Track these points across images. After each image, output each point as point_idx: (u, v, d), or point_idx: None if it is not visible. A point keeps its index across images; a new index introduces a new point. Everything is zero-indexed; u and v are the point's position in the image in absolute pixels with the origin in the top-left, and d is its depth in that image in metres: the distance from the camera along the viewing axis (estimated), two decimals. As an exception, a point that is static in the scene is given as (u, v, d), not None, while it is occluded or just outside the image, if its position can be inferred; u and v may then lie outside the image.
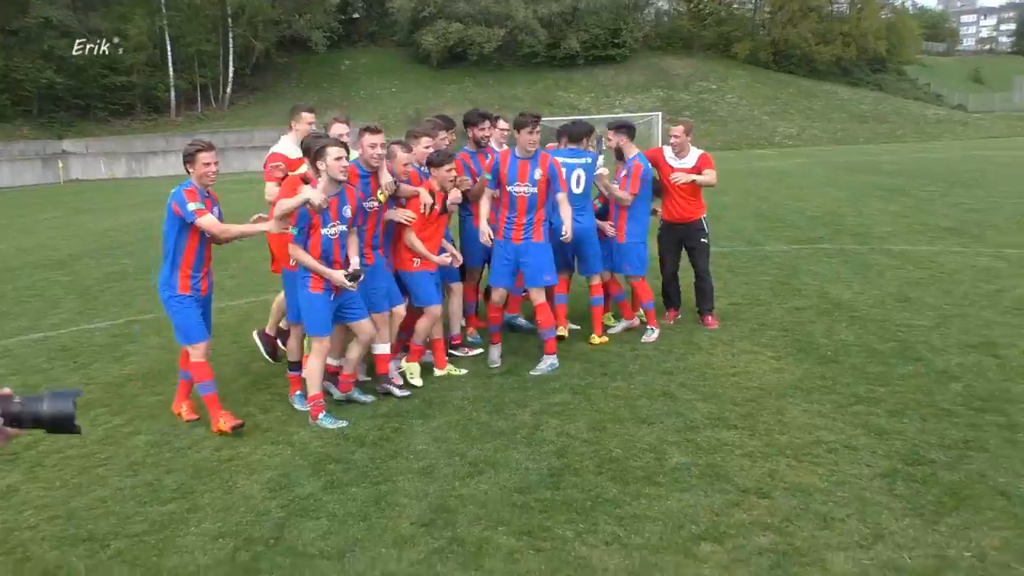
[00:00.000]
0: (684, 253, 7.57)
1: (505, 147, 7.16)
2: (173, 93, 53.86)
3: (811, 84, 60.07)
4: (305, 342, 5.89)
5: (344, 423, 5.39)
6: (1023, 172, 22.04)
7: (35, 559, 3.86)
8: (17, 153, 44.81)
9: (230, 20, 55.36)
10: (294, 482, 4.56)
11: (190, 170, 5.28)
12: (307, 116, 6.26)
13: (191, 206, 5.13)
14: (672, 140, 7.28)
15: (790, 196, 18.34)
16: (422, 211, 6.01)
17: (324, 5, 59.27)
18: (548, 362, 6.39)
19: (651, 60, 60.81)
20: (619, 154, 7.14)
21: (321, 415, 5.42)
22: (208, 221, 5.20)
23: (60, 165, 44.47)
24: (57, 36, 49.30)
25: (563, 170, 6.65)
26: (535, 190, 6.26)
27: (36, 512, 4.36)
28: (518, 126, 6.26)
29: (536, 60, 59.19)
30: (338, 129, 6.10)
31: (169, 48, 52.52)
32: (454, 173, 6.26)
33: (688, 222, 7.38)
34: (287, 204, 5.27)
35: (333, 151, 5.22)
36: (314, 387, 5.45)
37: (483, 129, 7.08)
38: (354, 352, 5.74)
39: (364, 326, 5.59)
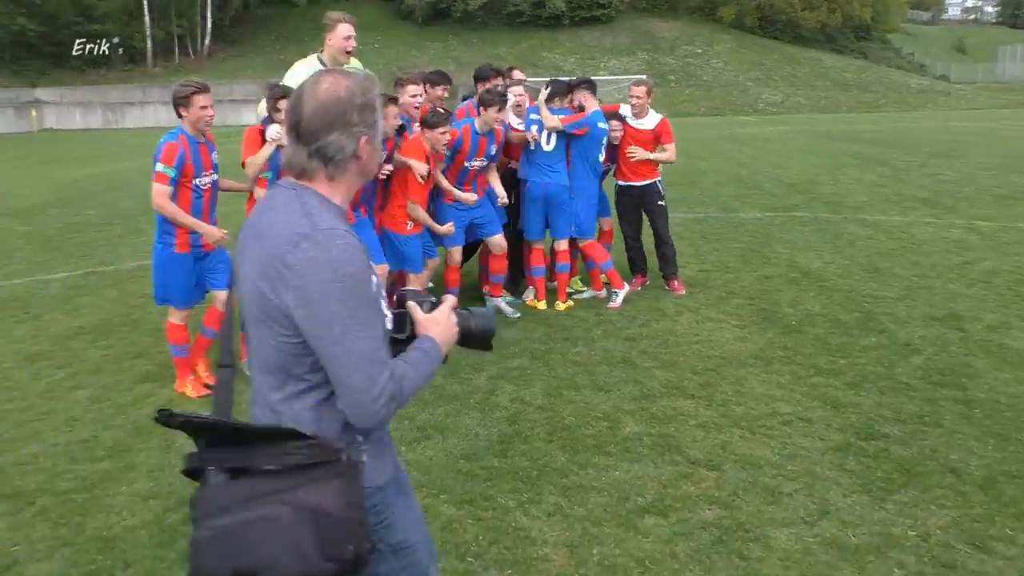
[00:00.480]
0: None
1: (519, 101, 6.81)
2: (150, 43, 52.60)
3: (796, 51, 59.62)
4: None
5: None
6: (1001, 144, 22.03)
7: (-42, 521, 3.72)
8: (-12, 100, 43.77)
9: (207, -31, 53.95)
10: (236, 445, 4.42)
11: (183, 114, 4.77)
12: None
13: (158, 167, 4.71)
14: (632, 101, 7.10)
15: (769, 163, 18.21)
16: (419, 181, 5.81)
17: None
18: (493, 304, 6.66)
19: (636, 22, 59.98)
20: (581, 110, 6.93)
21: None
22: (159, 191, 4.73)
23: (33, 114, 43.42)
24: (27, -20, 47.83)
25: (535, 128, 6.57)
26: (486, 163, 6.41)
27: (-35, 472, 4.21)
28: (485, 103, 6.13)
29: (521, 19, 58.21)
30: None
31: (145, -5, 51.14)
32: (448, 137, 5.93)
33: (641, 184, 7.23)
34: (258, 158, 5.13)
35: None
36: None
37: (496, 86, 6.59)
38: None
39: None
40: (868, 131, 28.44)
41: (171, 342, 5.21)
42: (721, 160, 19.05)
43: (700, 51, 57.68)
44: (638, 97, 7.05)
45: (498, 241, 6.55)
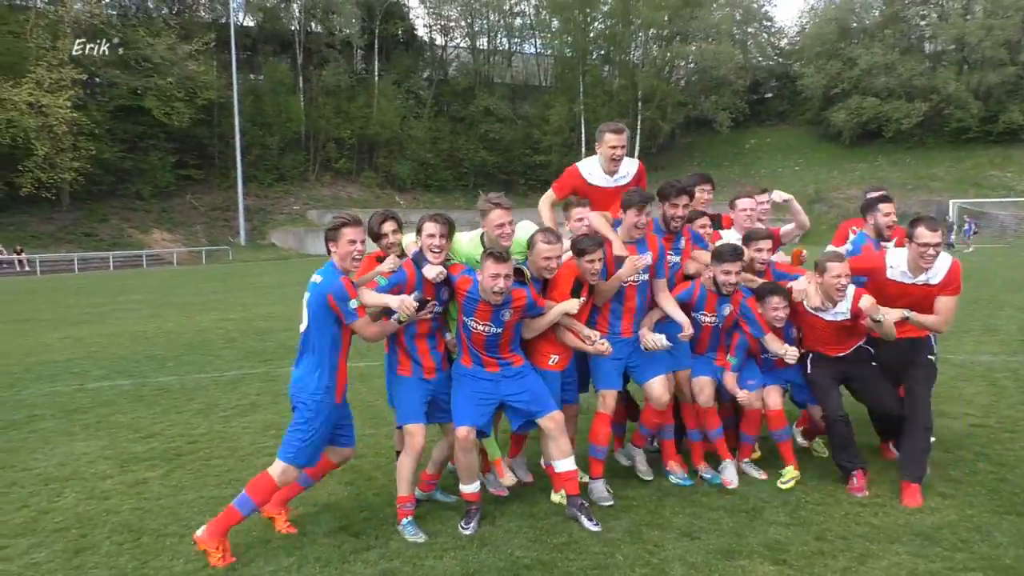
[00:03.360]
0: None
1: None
2: (584, 170, 58.93)
3: None
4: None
5: (424, 537, 4.58)
6: None
7: (91, 540, 4.71)
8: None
9: (640, 104, 59.11)
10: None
11: (332, 249, 4.46)
12: (496, 215, 4.88)
13: (352, 304, 4.36)
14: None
15: None
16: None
17: (732, 87, 60.09)
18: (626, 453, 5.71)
19: None
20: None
21: (405, 520, 4.67)
22: (362, 325, 4.44)
23: (482, 232, 51.30)
24: (493, 122, 57.53)
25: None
26: (645, 278, 5.24)
27: (133, 501, 5.30)
28: (625, 206, 5.12)
29: (966, 136, 52.61)
30: (500, 217, 4.92)
31: (583, 130, 57.75)
32: (598, 265, 4.95)
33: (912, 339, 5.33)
34: (374, 299, 4.63)
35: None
36: (402, 487, 4.75)
37: (675, 206, 5.31)
38: (439, 452, 5.16)
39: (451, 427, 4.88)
40: None
41: (248, 493, 4.44)
42: None
43: None
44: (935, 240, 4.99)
45: (655, 388, 5.24)
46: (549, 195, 5.76)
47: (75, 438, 6.96)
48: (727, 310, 5.41)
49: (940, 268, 5.04)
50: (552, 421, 4.79)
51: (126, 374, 10.05)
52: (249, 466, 6.00)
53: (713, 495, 5.12)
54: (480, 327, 4.72)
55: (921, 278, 5.06)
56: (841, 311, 5.20)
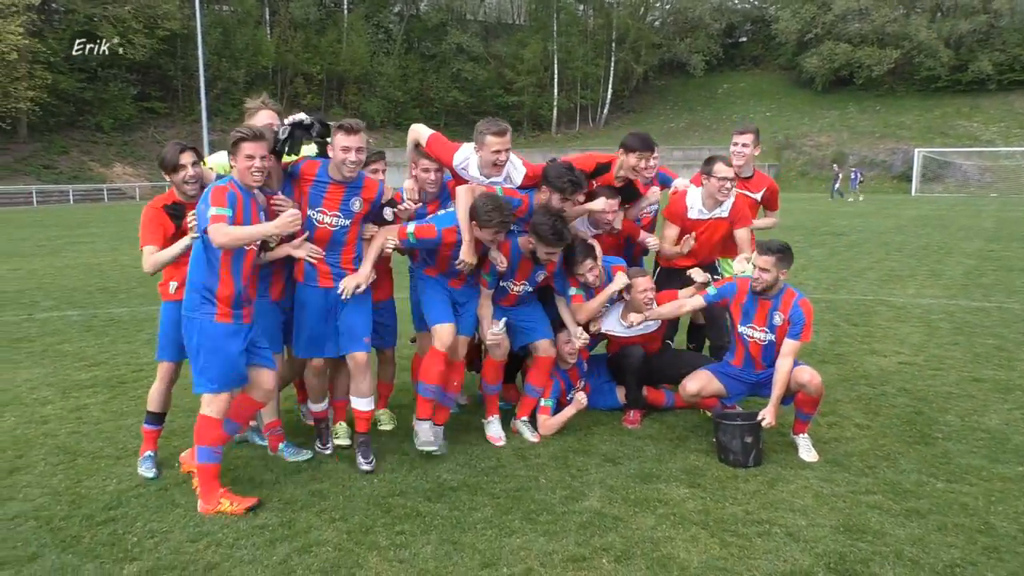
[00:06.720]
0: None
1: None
2: (555, 112, 58.42)
3: None
4: None
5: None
6: None
7: (26, 460, 4.77)
8: (422, 161, 52.46)
9: (614, 45, 58.40)
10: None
11: (232, 164, 4.03)
12: (492, 141, 4.75)
13: (212, 211, 3.80)
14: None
15: None
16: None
17: (707, 30, 59.53)
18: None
19: (1092, 84, 50.48)
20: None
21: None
22: (217, 231, 3.79)
23: (451, 172, 50.88)
24: (465, 60, 56.52)
25: None
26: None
27: (72, 425, 5.36)
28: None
29: (936, 85, 52.73)
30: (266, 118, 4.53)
31: (556, 71, 57.07)
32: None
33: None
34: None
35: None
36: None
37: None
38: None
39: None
40: None
41: (204, 444, 4.09)
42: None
43: None
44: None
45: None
46: (425, 133, 5.17)
47: (19, 366, 6.95)
48: (540, 276, 5.07)
49: (729, 203, 5.47)
50: (356, 359, 4.56)
51: (76, 305, 10.00)
52: (190, 394, 6.03)
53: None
54: (327, 219, 4.43)
55: (715, 212, 5.44)
56: (652, 323, 5.36)
